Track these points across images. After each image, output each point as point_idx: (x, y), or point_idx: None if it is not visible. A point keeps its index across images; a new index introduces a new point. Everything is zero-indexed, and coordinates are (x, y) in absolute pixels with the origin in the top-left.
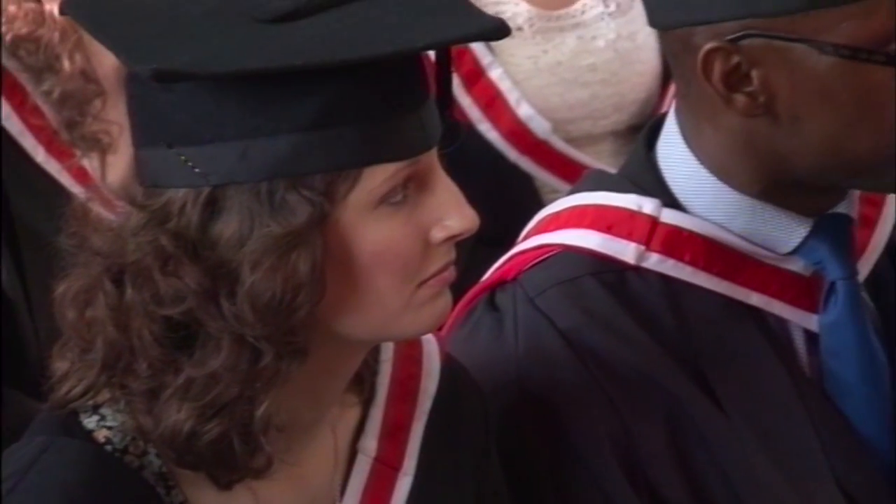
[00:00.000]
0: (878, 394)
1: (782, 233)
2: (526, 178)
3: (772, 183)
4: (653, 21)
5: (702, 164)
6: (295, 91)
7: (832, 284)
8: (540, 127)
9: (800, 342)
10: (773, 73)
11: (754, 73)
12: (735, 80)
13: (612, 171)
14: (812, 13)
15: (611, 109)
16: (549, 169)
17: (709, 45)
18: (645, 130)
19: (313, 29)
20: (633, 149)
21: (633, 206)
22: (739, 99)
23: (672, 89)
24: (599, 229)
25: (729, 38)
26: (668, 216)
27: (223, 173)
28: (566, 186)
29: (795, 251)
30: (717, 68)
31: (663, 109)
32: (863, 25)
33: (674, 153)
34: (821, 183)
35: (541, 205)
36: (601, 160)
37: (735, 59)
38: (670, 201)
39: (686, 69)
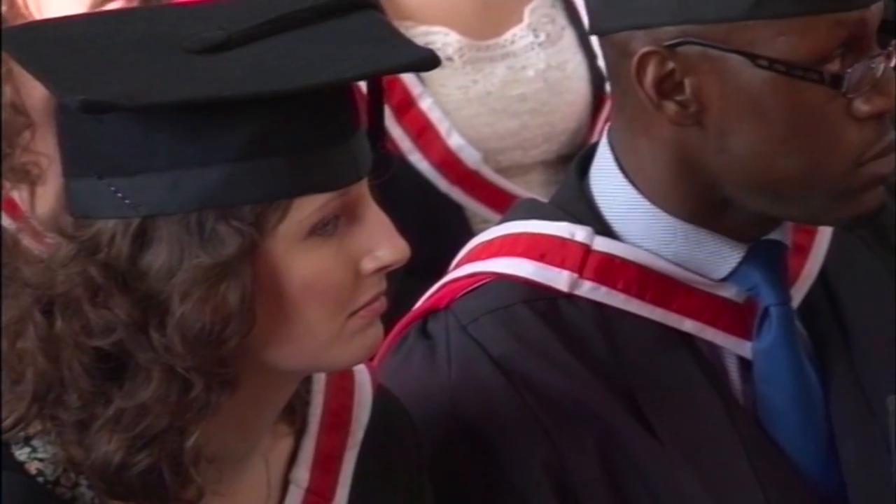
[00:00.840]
0: (810, 420)
1: (716, 259)
2: (457, 208)
3: (704, 205)
4: (593, 26)
5: (635, 188)
6: (225, 122)
7: (766, 310)
8: (470, 157)
9: (733, 369)
10: (705, 82)
11: (687, 82)
12: (668, 87)
13: (544, 200)
14: (751, 24)
15: (541, 139)
16: (479, 199)
17: (644, 49)
18: (577, 159)
19: (243, 60)
20: (563, 178)
21: (566, 234)
22: (670, 107)
23: (602, 119)
24: (532, 257)
25: (666, 43)
26: (601, 244)
27: (153, 204)
28: (497, 216)
29: (729, 277)
30: (651, 73)
31: (593, 139)
32: (800, 42)
33: (607, 180)
34: (750, 207)
35: (471, 235)
36: (531, 190)
37: (669, 65)
38: (603, 229)
39: (622, 77)
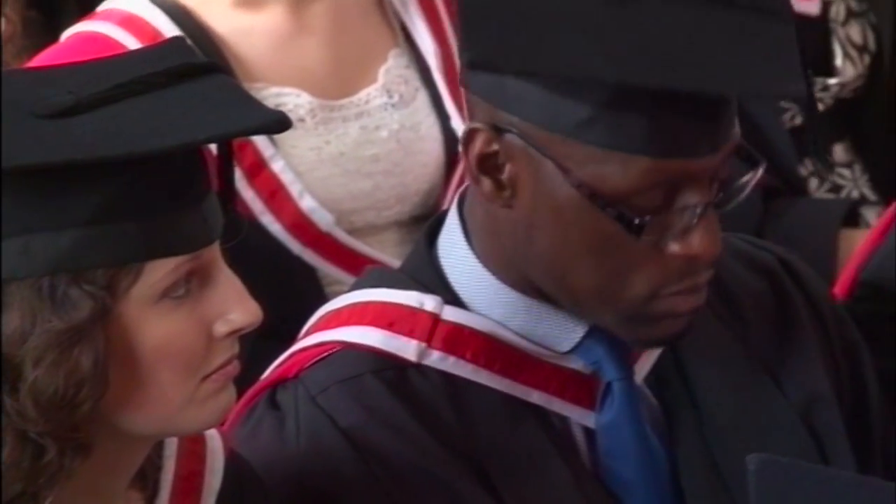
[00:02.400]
0: (657, 493)
1: (559, 333)
2: (309, 271)
3: (534, 283)
4: (462, 78)
5: (479, 261)
6: (75, 186)
7: (608, 385)
8: (323, 219)
9: (581, 439)
10: (522, 174)
11: (507, 167)
12: (489, 165)
13: (397, 261)
14: (570, 141)
15: (394, 200)
16: (332, 261)
17: (475, 125)
18: (426, 227)
19: (94, 124)
20: (415, 244)
21: (415, 304)
22: (486, 183)
23: (455, 180)
24: (381, 326)
25: (497, 125)
26: (450, 314)
27: (4, 269)
28: (350, 278)
29: (573, 350)
30: (476, 147)
31: (447, 200)
32: (612, 174)
33: (453, 250)
34: (552, 297)
35: (324, 297)
36: (385, 250)
37: (495, 146)
38: (452, 298)
39: None
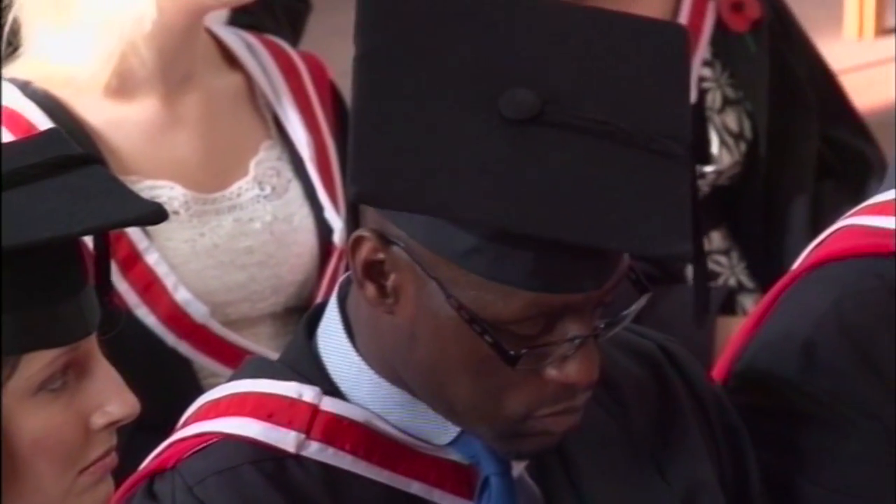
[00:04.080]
0: None
1: (437, 427)
2: (184, 363)
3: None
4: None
5: (360, 354)
6: None
7: (486, 479)
8: (198, 311)
9: None
10: (406, 287)
11: (392, 276)
12: (374, 271)
13: (272, 353)
14: (454, 266)
15: (269, 291)
16: (207, 353)
17: (363, 232)
18: (305, 317)
19: None
20: (292, 331)
21: (294, 394)
22: (370, 289)
23: (329, 271)
24: (260, 417)
25: (385, 235)
26: (329, 404)
27: None
28: (225, 370)
29: (451, 444)
30: (362, 254)
31: (321, 292)
32: (492, 302)
33: (334, 343)
34: (427, 403)
35: (200, 389)
36: (260, 342)
37: (381, 255)
38: (331, 389)
39: None
